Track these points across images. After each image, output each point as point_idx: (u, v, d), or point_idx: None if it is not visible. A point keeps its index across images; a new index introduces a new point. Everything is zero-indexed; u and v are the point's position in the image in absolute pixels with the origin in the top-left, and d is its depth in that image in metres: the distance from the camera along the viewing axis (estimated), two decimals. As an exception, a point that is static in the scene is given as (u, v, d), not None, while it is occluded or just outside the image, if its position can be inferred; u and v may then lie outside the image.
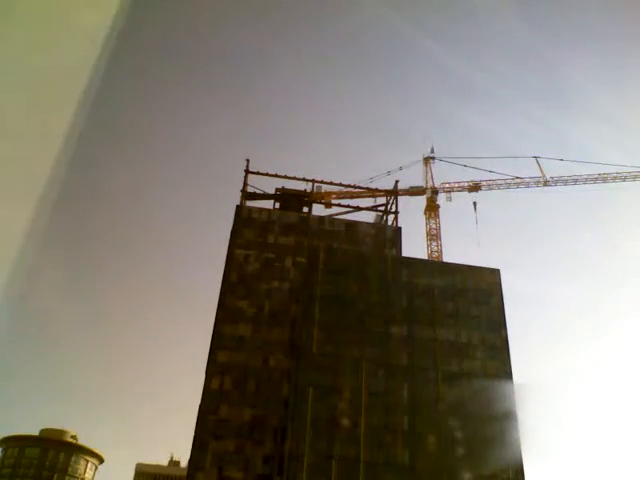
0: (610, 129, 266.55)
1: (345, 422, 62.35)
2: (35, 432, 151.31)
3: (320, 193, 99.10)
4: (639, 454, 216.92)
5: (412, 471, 60.75)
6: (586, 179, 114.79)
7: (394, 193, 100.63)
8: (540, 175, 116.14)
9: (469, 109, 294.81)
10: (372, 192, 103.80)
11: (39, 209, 10.08)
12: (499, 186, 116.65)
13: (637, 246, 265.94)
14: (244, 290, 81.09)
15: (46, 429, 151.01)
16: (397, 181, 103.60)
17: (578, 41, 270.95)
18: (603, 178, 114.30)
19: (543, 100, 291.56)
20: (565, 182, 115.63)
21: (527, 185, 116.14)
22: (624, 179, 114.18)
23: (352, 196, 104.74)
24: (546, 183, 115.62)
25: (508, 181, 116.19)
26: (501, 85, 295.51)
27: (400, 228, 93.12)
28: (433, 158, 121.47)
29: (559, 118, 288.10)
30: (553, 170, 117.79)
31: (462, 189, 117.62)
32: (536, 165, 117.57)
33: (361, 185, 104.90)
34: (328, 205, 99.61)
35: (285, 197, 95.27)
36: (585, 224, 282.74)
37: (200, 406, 71.44)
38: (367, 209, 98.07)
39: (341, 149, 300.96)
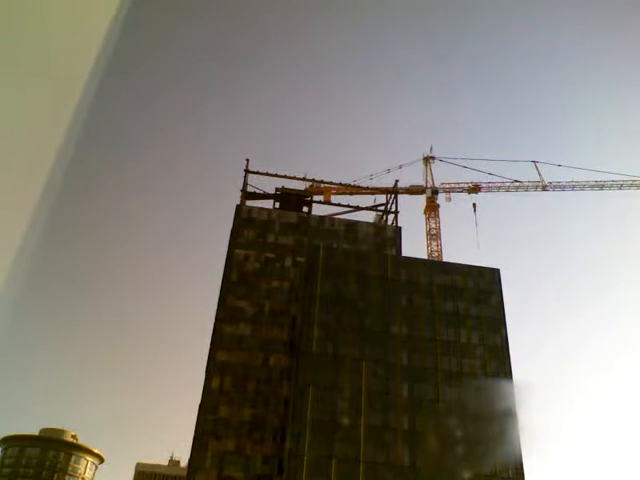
0: (609, 138, 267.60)
1: (345, 422, 62.29)
2: (35, 432, 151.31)
3: (319, 187, 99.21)
4: (638, 451, 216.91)
5: (412, 471, 60.73)
6: (584, 185, 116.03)
7: (394, 192, 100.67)
8: (539, 179, 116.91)
9: (470, 111, 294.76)
10: (372, 190, 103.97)
11: (39, 208, 10.08)
12: (498, 188, 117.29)
13: (635, 249, 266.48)
14: (244, 290, 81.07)
15: (46, 429, 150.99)
16: (397, 180, 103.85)
17: (578, 50, 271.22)
18: (600, 185, 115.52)
19: (543, 106, 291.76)
20: (563, 188, 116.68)
21: (526, 189, 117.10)
22: (620, 187, 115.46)
23: (352, 193, 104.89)
24: (544, 188, 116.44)
25: (507, 184, 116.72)
26: (503, 89, 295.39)
27: (400, 228, 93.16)
28: (433, 158, 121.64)
29: (558, 124, 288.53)
30: (552, 175, 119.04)
31: (462, 190, 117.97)
32: (534, 169, 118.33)
33: (361, 184, 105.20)
34: (327, 201, 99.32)
35: (285, 197, 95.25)
36: (584, 228, 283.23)
37: (200, 406, 71.44)
38: (367, 209, 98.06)
39: (341, 147, 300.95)
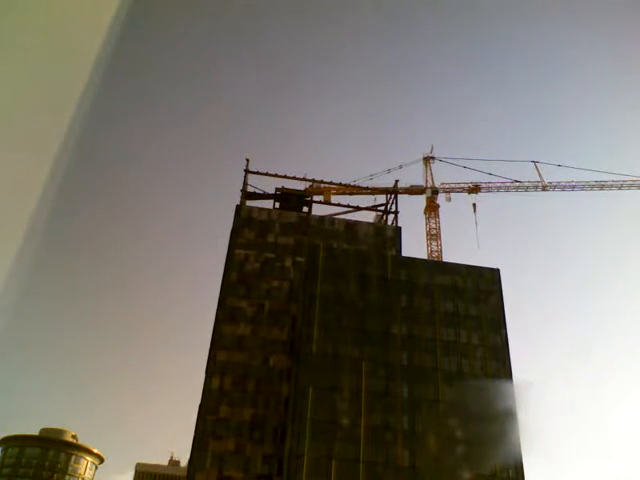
0: (609, 138, 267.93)
1: (345, 422, 62.25)
2: (35, 432, 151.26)
3: (319, 187, 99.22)
4: (638, 452, 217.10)
5: (412, 471, 60.70)
6: (584, 185, 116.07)
7: (394, 192, 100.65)
8: (539, 180, 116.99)
9: (470, 111, 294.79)
10: (372, 190, 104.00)
11: (39, 207, 10.08)
12: (498, 189, 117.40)
13: (635, 250, 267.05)
14: (244, 290, 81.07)
15: (46, 429, 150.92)
16: (397, 180, 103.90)
17: (578, 50, 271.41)
18: (600, 185, 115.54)
19: (543, 107, 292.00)
20: (563, 188, 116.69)
21: (526, 189, 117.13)
22: (620, 187, 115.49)
23: (352, 193, 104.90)
24: (544, 188, 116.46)
25: (507, 184, 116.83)
26: (503, 89, 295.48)
27: (400, 228, 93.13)
28: (433, 158, 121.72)
29: (558, 124, 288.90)
30: (552, 175, 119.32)
31: (462, 190, 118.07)
32: (535, 169, 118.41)
33: (361, 184, 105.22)
34: (327, 201, 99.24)
35: (285, 197, 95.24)
36: (584, 228, 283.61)
37: (200, 406, 71.42)
38: (367, 209, 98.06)
39: (341, 147, 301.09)
